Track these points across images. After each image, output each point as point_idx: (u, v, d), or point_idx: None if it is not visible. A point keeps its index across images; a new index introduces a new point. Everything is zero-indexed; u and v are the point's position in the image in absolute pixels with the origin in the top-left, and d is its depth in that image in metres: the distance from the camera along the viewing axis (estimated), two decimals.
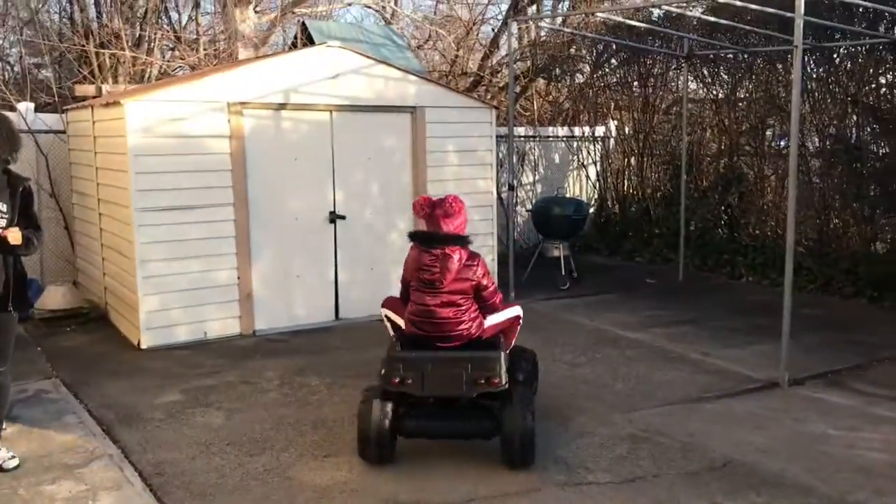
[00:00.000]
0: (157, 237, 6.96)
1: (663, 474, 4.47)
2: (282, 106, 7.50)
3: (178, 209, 7.02)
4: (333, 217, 7.89)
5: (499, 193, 11.46)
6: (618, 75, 13.37)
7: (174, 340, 7.12)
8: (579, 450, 4.83)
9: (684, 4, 9.98)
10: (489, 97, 14.88)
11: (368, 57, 8.12)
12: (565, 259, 10.05)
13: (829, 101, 9.86)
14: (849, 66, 9.70)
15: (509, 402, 4.47)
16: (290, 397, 5.83)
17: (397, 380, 4.48)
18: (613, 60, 13.22)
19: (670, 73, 12.32)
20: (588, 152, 13.23)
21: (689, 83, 11.58)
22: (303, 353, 6.99)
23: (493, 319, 4.88)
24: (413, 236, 4.90)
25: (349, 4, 15.65)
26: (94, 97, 9.36)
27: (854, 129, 9.74)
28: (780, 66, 10.23)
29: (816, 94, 10.01)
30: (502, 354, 4.59)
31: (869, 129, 9.41)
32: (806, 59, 9.95)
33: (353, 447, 4.67)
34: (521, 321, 5.14)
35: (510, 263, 8.97)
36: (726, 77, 11.46)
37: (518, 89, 14.73)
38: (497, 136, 10.03)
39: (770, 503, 4.12)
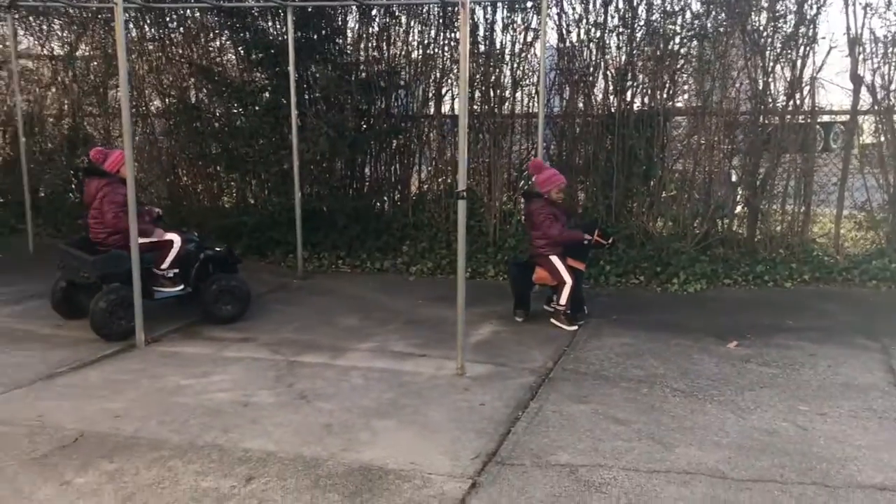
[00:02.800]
0: None
1: (5, 467, 4.05)
2: None
3: None
4: None
5: None
6: None
7: None
8: None
9: None
10: None
11: None
12: None
13: (165, 62, 10.09)
14: (182, 30, 10.04)
15: (98, 292, 6.19)
16: None
17: (58, 264, 6.66)
18: None
19: None
20: None
21: (22, 37, 10.62)
22: None
23: (141, 239, 6.18)
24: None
25: None
26: None
27: (193, 91, 10.18)
28: (115, 24, 10.04)
29: (154, 55, 10.15)
30: (99, 259, 6.30)
31: (206, 91, 9.93)
32: (142, 21, 10.00)
33: None
34: (173, 245, 6.63)
35: None
36: (63, 33, 10.80)
37: None
38: None
39: (122, 467, 4.08)
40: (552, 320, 6.75)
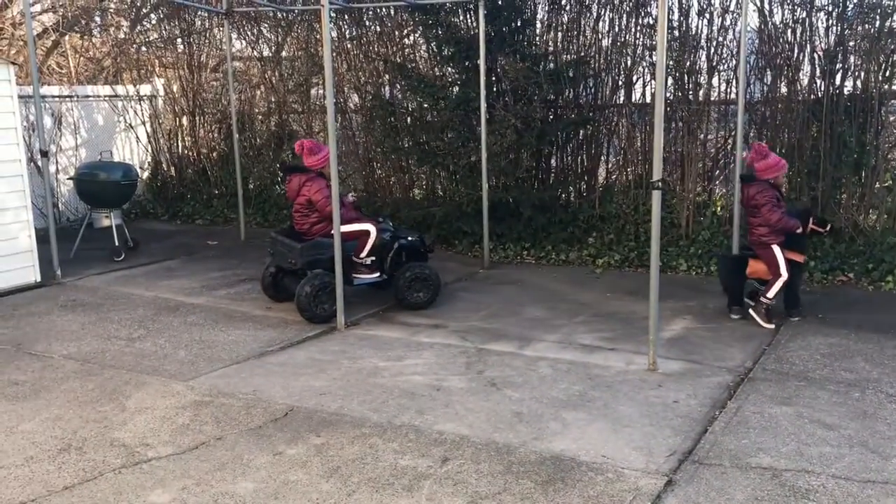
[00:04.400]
0: None
1: (227, 435, 4.45)
2: None
3: None
4: None
5: (34, 161, 10.28)
6: (161, 31, 12.74)
7: None
8: (138, 427, 4.57)
9: None
10: (13, 52, 13.10)
11: None
12: (118, 228, 9.39)
13: (363, 60, 10.58)
14: (378, 28, 10.48)
15: (304, 278, 6.66)
16: None
17: (268, 251, 7.27)
18: (153, 16, 12.54)
19: (215, 31, 12.10)
20: (135, 113, 12.44)
21: (235, 41, 11.52)
22: None
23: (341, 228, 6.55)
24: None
25: None
26: None
27: (388, 87, 10.60)
28: (317, 25, 10.66)
29: (352, 53, 10.67)
30: (305, 247, 6.70)
31: (399, 86, 10.31)
32: (340, 20, 10.54)
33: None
34: (370, 235, 6.91)
35: (52, 238, 8.10)
36: (270, 35, 11.62)
37: (49, 44, 13.27)
38: (27, 97, 8.98)
39: (328, 442, 4.35)
40: (751, 312, 6.42)
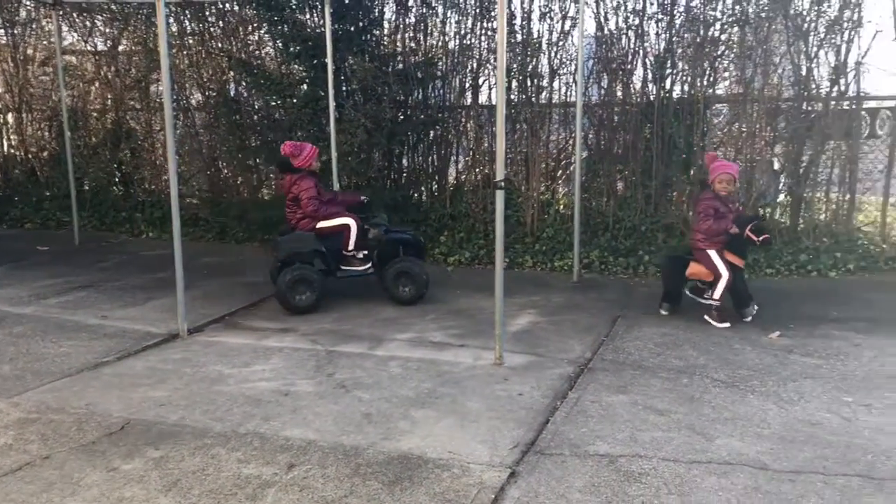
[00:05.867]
0: None
1: (55, 453, 4.16)
2: None
3: None
4: None
5: None
6: None
7: None
8: None
9: None
10: None
11: None
12: None
13: (205, 56, 10.21)
14: (221, 23, 10.15)
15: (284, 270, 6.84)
16: None
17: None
18: None
19: (43, 22, 11.31)
20: None
21: (66, 33, 10.83)
22: None
23: (322, 223, 6.98)
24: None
25: None
26: None
27: (233, 84, 10.29)
28: (155, 19, 10.16)
29: (194, 49, 10.27)
30: (284, 240, 6.99)
31: (245, 84, 10.03)
32: (181, 15, 10.12)
33: None
34: (351, 229, 6.98)
35: None
36: (105, 29, 10.99)
37: None
38: None
39: (167, 455, 4.16)
40: (705, 316, 6.47)
